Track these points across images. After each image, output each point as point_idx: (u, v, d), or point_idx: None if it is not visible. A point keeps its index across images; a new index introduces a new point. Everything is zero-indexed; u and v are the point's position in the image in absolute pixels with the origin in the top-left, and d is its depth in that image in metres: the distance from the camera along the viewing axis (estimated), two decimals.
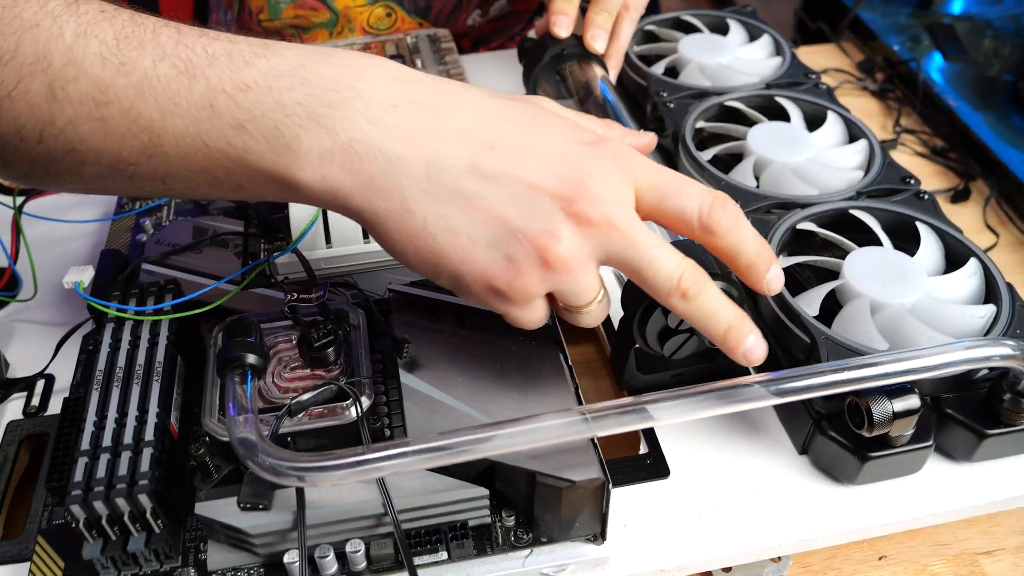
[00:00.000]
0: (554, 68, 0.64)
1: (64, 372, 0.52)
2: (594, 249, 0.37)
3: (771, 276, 0.40)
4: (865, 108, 0.80)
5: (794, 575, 0.47)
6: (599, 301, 0.39)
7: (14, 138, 0.36)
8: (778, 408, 0.49)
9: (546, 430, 0.38)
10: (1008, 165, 0.69)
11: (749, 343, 0.40)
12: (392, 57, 0.71)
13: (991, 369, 0.46)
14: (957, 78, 0.79)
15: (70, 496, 0.38)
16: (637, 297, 0.45)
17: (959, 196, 0.69)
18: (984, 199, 0.69)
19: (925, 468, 0.46)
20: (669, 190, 0.39)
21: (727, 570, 0.46)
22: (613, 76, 0.65)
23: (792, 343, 0.47)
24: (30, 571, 0.41)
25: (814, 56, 0.86)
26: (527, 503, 0.41)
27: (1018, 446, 0.46)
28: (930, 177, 0.72)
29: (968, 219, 0.68)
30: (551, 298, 0.39)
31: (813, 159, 0.57)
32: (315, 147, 0.36)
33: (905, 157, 0.74)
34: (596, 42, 0.63)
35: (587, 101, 0.61)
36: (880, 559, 0.47)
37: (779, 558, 0.46)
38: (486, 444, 0.37)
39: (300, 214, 0.53)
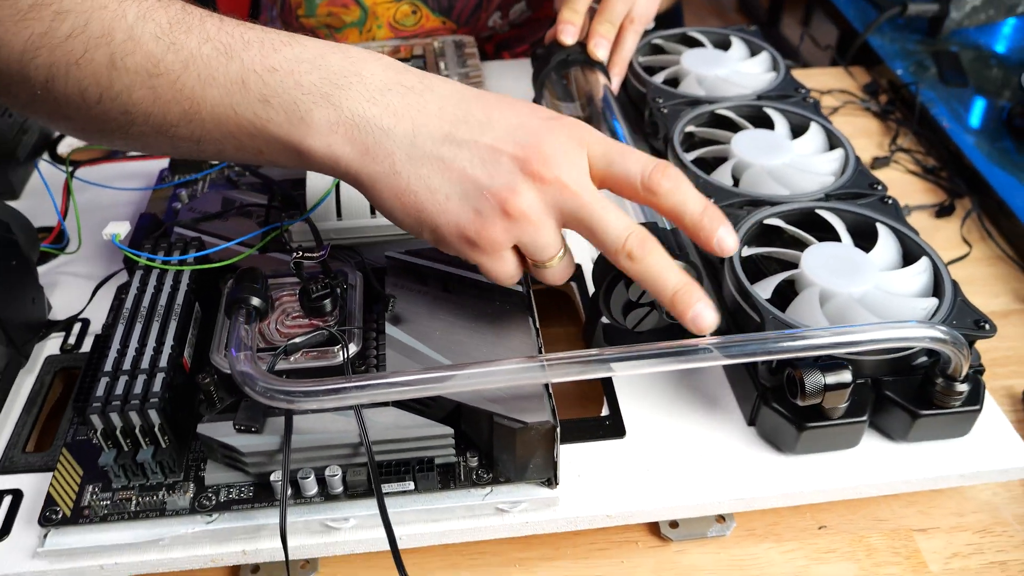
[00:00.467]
0: (560, 73, 0.70)
1: (98, 317, 0.58)
2: (549, 206, 0.43)
3: (721, 235, 0.45)
4: (865, 128, 0.84)
5: (737, 537, 0.51)
6: (561, 257, 0.45)
7: (77, 99, 0.43)
8: (732, 382, 0.54)
9: (503, 373, 0.43)
10: (992, 185, 0.72)
11: (697, 308, 0.44)
12: (417, 59, 0.77)
13: (928, 356, 0.50)
14: (954, 102, 0.82)
15: (91, 407, 0.44)
16: (603, 273, 0.50)
17: (944, 211, 0.73)
18: (964, 214, 0.72)
19: (863, 444, 0.50)
20: (617, 157, 0.44)
21: (674, 525, 0.50)
22: (616, 84, 0.71)
23: (747, 324, 0.51)
24: (54, 477, 0.47)
25: (821, 77, 0.90)
26: (488, 444, 0.46)
27: (949, 429, 0.50)
28: (919, 193, 0.76)
29: (950, 233, 0.72)
30: (520, 256, 0.45)
31: (790, 164, 0.61)
32: (324, 120, 0.43)
33: (897, 174, 0.78)
34: (598, 50, 0.68)
35: (588, 106, 0.67)
36: (820, 528, 0.51)
37: (724, 519, 0.50)
38: (449, 382, 0.42)
39: (315, 188, 0.59)
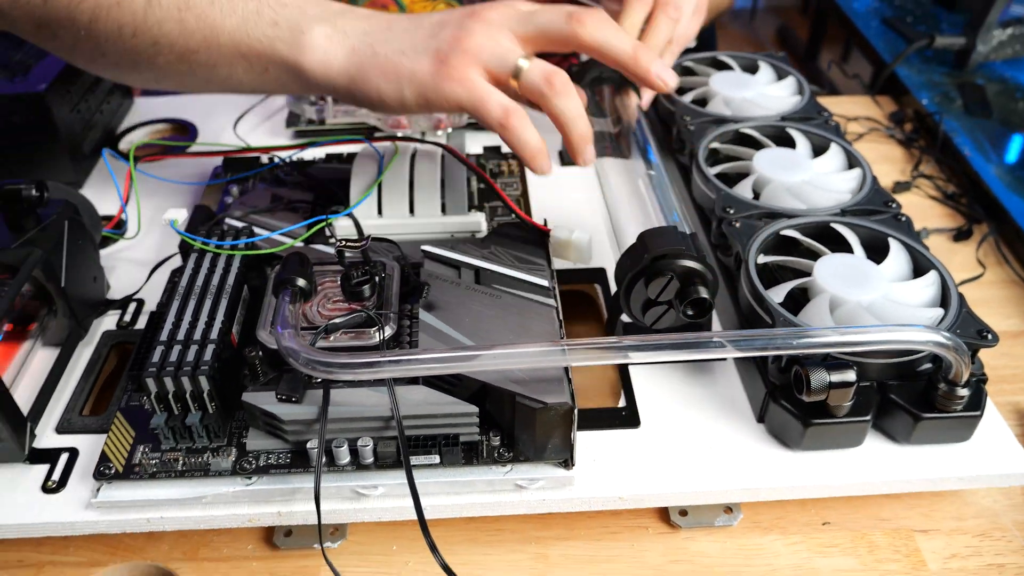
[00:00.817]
0: (593, 89, 0.73)
1: (151, 298, 0.63)
2: (497, 25, 0.54)
3: (657, 70, 0.53)
4: (889, 154, 0.86)
5: (744, 528, 0.53)
6: (527, 58, 0.54)
7: (115, 35, 0.52)
8: (744, 382, 0.56)
9: (527, 355, 0.46)
10: (1010, 211, 0.75)
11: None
12: None
13: (933, 363, 0.52)
14: (977, 132, 0.85)
15: (146, 372, 0.48)
16: (624, 272, 0.53)
17: (961, 235, 0.75)
18: (981, 238, 0.75)
19: (867, 445, 0.52)
20: (546, 8, 0.55)
21: (683, 513, 0.53)
22: (647, 101, 0.74)
23: (760, 327, 0.54)
24: (108, 437, 0.51)
25: (848, 105, 0.93)
26: (510, 424, 0.49)
27: (951, 433, 0.52)
28: (938, 217, 0.78)
29: (966, 256, 0.74)
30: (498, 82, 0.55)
31: (809, 181, 0.64)
32: (320, 35, 0.55)
33: (918, 198, 0.80)
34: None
35: (619, 122, 0.70)
36: (824, 524, 0.53)
37: (731, 510, 0.53)
38: (475, 361, 0.46)
39: (360, 188, 0.63)
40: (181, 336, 0.51)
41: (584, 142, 0.56)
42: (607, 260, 0.66)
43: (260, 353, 0.51)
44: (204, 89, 0.60)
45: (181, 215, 0.59)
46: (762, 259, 0.58)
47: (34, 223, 0.56)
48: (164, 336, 0.51)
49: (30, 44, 0.75)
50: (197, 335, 0.51)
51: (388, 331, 0.51)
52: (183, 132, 0.85)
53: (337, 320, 0.51)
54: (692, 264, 0.51)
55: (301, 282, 0.51)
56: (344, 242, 0.55)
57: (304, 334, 0.50)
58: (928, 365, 0.53)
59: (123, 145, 0.82)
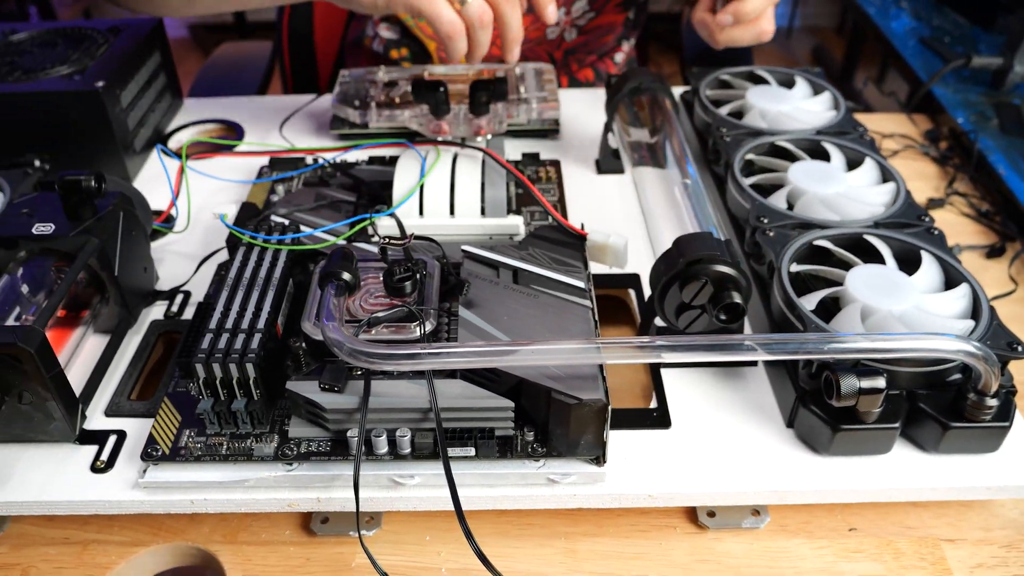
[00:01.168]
0: (631, 99, 0.75)
1: (198, 290, 0.65)
2: None
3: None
4: (923, 171, 0.87)
5: (770, 531, 0.54)
6: None
7: None
8: (774, 387, 0.57)
9: (563, 352, 0.47)
10: None
11: None
12: (499, 82, 0.83)
13: (962, 373, 0.53)
14: (1012, 152, 0.85)
15: (195, 357, 0.50)
16: (658, 276, 0.54)
17: (994, 252, 0.76)
18: (1014, 255, 0.75)
19: (895, 452, 0.53)
20: None
21: (711, 515, 0.54)
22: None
23: (791, 332, 0.55)
24: (155, 421, 0.53)
25: (884, 122, 0.94)
26: (544, 419, 0.51)
27: (979, 443, 0.52)
28: (972, 234, 0.79)
29: (998, 273, 0.74)
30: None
31: (843, 193, 0.65)
32: None
33: (952, 216, 0.81)
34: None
35: (657, 132, 0.72)
36: (850, 530, 0.54)
37: (758, 512, 0.54)
38: (513, 356, 0.47)
39: (402, 189, 0.65)
40: (229, 325, 0.52)
41: (514, 43, 0.70)
42: (642, 266, 0.67)
43: (304, 344, 0.53)
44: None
45: (231, 210, 0.62)
46: (795, 268, 0.59)
47: (91, 213, 0.58)
48: (213, 324, 0.52)
49: (88, 43, 0.78)
50: (244, 324, 0.53)
51: (428, 326, 0.53)
52: (230, 133, 0.88)
53: (379, 314, 0.53)
54: (726, 269, 0.52)
55: (347, 276, 0.52)
56: (388, 239, 0.56)
57: (347, 327, 0.52)
58: (958, 375, 0.53)
59: (172, 143, 0.85)
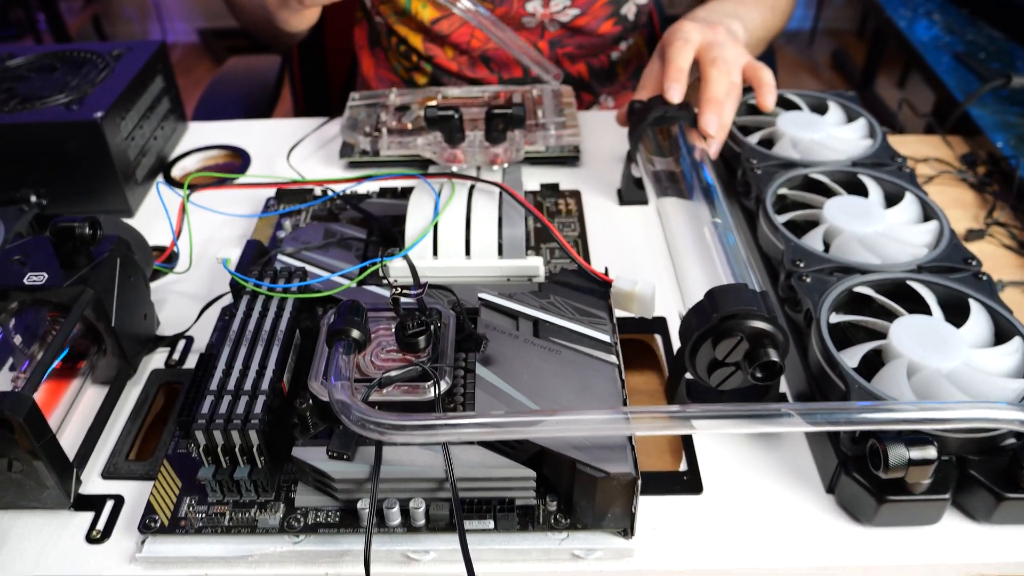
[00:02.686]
0: (656, 128, 0.71)
1: (202, 336, 0.61)
2: None
3: None
4: (960, 198, 0.83)
5: None
6: None
7: None
8: (813, 449, 0.54)
9: (589, 422, 0.44)
10: None
11: None
12: (517, 105, 0.79)
13: (1017, 439, 0.49)
14: None
15: (196, 423, 0.47)
16: (690, 330, 0.50)
17: None
18: None
19: (944, 522, 0.49)
20: None
21: None
22: (715, 150, 0.70)
23: (831, 391, 0.51)
24: (154, 487, 0.50)
25: (917, 145, 0.90)
26: (568, 490, 0.47)
27: None
28: (1014, 268, 0.75)
29: None
30: None
31: (883, 232, 0.61)
32: None
33: (992, 248, 0.77)
34: (710, 128, 0.69)
35: (681, 163, 0.68)
36: None
37: None
38: (536, 427, 0.44)
39: (415, 227, 0.62)
40: (231, 386, 0.49)
41: None
42: (668, 307, 0.64)
43: (311, 403, 0.49)
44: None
45: (233, 254, 0.58)
46: (835, 318, 0.55)
47: (86, 260, 0.55)
48: (214, 385, 0.49)
49: (88, 68, 0.75)
50: (248, 385, 0.49)
51: (443, 385, 0.49)
52: (236, 159, 0.84)
53: (392, 373, 0.49)
54: (763, 325, 0.49)
55: (356, 334, 0.49)
56: (400, 290, 0.53)
57: (357, 387, 0.48)
58: (1012, 440, 0.49)
59: (176, 171, 0.82)
